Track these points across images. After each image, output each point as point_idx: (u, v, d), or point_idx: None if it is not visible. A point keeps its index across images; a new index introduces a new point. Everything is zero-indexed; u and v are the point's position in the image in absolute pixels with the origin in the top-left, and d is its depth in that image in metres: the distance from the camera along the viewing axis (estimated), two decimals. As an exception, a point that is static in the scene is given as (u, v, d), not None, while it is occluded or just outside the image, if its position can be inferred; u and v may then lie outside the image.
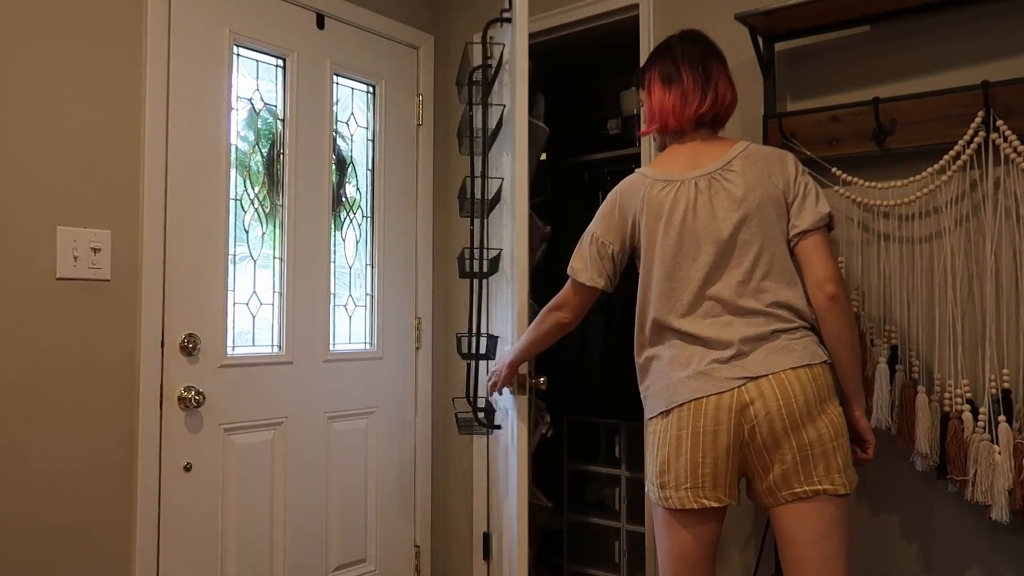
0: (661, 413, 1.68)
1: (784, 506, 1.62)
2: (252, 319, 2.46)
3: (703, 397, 1.62)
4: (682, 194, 1.71)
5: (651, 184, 1.75)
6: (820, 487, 1.59)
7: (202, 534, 2.28)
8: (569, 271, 1.84)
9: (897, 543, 2.03)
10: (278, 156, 2.54)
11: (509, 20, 2.36)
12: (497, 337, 2.37)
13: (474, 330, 2.36)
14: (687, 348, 1.67)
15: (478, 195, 2.60)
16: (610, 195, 1.82)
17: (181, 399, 2.23)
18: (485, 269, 2.43)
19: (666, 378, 1.69)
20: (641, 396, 1.78)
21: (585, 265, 1.81)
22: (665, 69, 1.80)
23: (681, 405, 1.64)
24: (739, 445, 1.62)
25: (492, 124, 2.82)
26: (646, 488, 1.75)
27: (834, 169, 2.03)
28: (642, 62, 2.49)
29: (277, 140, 2.54)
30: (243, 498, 2.38)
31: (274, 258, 2.52)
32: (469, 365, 2.49)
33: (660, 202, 1.72)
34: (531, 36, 2.76)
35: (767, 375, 1.62)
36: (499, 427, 2.37)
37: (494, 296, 2.64)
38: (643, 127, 1.89)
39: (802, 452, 1.59)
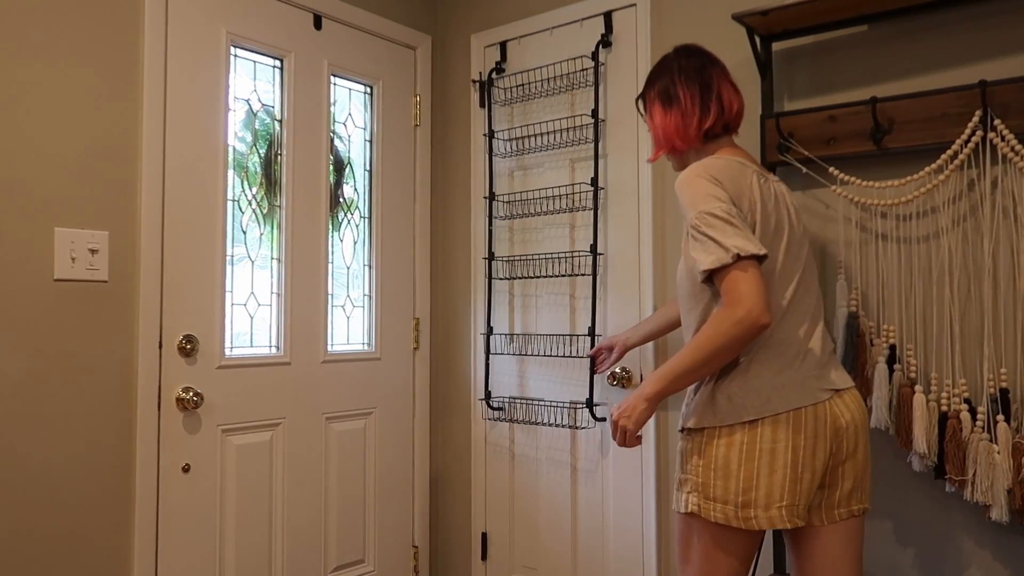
0: (747, 423, 1.55)
1: (836, 524, 1.61)
2: (250, 320, 2.46)
3: (802, 408, 1.55)
4: (779, 191, 1.70)
5: (754, 174, 1.65)
6: (866, 505, 1.65)
7: (200, 535, 2.27)
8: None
9: (894, 544, 2.02)
10: (276, 157, 2.54)
11: (504, 71, 2.38)
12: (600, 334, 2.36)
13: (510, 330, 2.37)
14: (782, 355, 1.59)
15: (515, 199, 2.60)
16: (704, 176, 1.59)
17: (179, 400, 2.22)
18: (527, 273, 2.53)
19: (756, 383, 1.57)
20: (697, 401, 1.63)
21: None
22: (663, 89, 1.75)
23: (777, 415, 1.54)
24: (828, 459, 1.58)
25: (497, 127, 2.83)
26: (695, 505, 1.58)
27: (832, 169, 2.03)
28: (637, 63, 2.50)
29: (275, 141, 2.54)
30: (241, 499, 2.38)
31: (272, 259, 2.52)
32: (488, 362, 2.69)
33: (766, 195, 1.64)
34: (527, 36, 2.77)
35: (847, 389, 1.64)
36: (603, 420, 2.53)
37: (531, 294, 2.74)
38: (651, 153, 1.83)
39: (861, 470, 1.62)
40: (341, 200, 2.75)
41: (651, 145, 1.85)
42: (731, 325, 1.48)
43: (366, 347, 2.80)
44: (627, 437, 1.61)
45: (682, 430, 1.65)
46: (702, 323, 1.64)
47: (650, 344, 2.44)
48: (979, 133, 1.83)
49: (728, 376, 1.59)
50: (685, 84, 1.72)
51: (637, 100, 1.87)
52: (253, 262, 2.47)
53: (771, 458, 1.52)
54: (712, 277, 1.54)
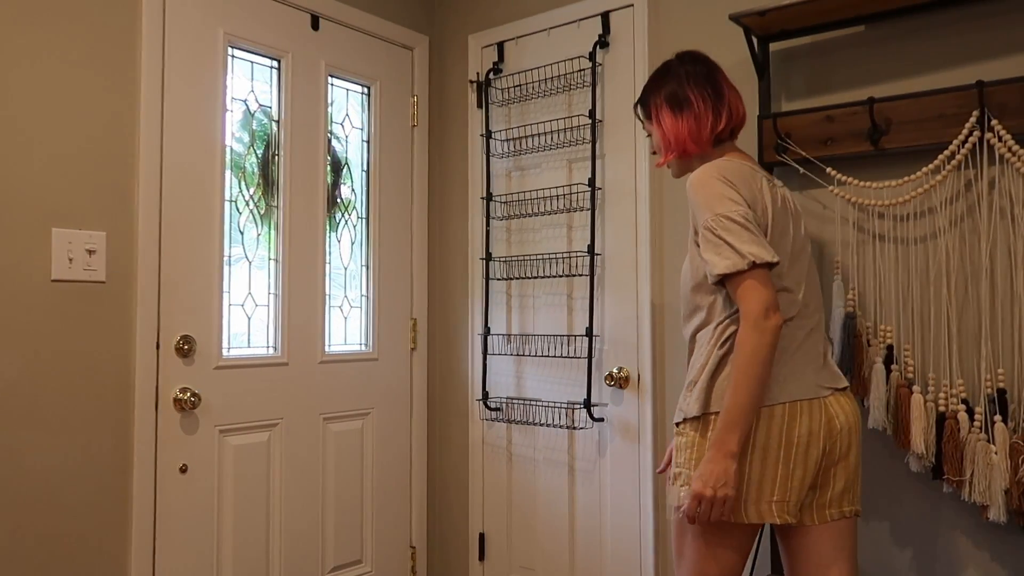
0: None
1: (828, 524, 1.61)
2: (248, 320, 2.45)
3: (798, 401, 1.55)
4: (784, 195, 1.70)
5: (763, 178, 1.66)
6: (857, 507, 1.65)
7: (198, 536, 2.27)
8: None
9: (892, 545, 2.03)
10: (273, 157, 2.54)
11: (501, 71, 2.56)
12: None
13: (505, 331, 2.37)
14: (783, 351, 1.58)
15: (513, 199, 2.59)
16: (719, 178, 1.59)
17: (176, 400, 2.22)
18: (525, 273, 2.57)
19: None
20: (695, 394, 1.60)
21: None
22: (671, 94, 1.73)
23: (772, 407, 1.53)
24: (821, 459, 1.57)
25: (495, 127, 2.83)
26: (686, 499, 1.55)
27: (829, 169, 2.03)
28: (635, 64, 2.50)
29: (272, 141, 2.54)
30: (239, 499, 2.37)
31: (269, 259, 2.52)
32: (486, 363, 2.75)
33: (775, 199, 1.65)
34: (524, 37, 2.77)
35: (843, 388, 1.65)
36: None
37: (528, 295, 2.74)
38: (659, 158, 1.80)
39: (852, 473, 1.63)
40: (338, 200, 2.75)
41: (657, 150, 1.80)
42: (757, 336, 1.49)
43: (363, 348, 2.80)
44: (726, 504, 1.49)
45: (677, 424, 1.65)
46: (699, 328, 1.66)
47: (648, 345, 2.44)
48: (976, 133, 1.83)
49: (725, 371, 1.57)
50: (695, 89, 1.72)
51: (636, 106, 1.85)
52: (250, 262, 2.47)
53: (763, 454, 1.53)
54: (723, 280, 1.55)
